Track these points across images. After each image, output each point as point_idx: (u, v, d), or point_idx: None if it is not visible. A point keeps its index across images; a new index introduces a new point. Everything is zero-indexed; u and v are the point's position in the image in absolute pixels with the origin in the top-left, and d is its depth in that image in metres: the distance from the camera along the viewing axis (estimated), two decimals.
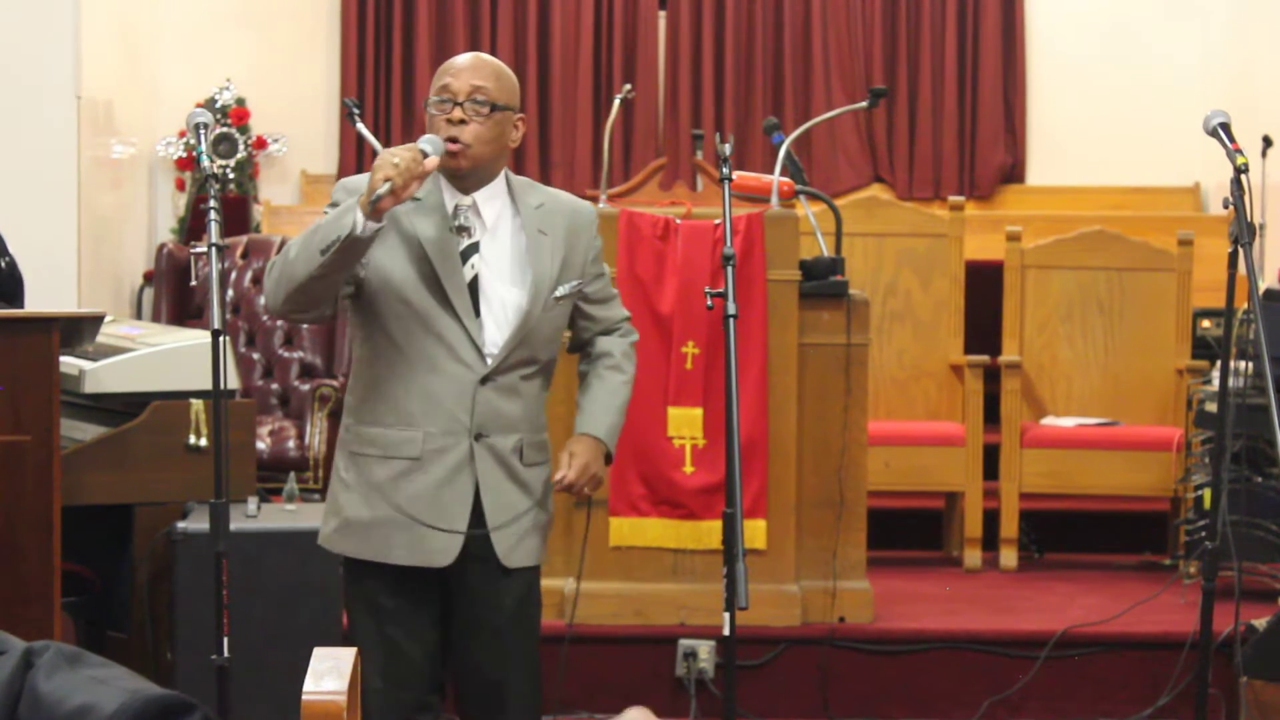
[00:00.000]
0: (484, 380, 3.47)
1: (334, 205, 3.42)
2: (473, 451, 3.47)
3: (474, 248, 3.49)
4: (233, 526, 3.87)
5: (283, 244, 7.04)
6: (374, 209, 3.25)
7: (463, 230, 3.49)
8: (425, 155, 3.33)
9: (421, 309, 3.44)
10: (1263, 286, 5.99)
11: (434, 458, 3.47)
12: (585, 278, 3.60)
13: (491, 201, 3.52)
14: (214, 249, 3.67)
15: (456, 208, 3.50)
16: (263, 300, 3.51)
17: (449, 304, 3.44)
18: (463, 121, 3.45)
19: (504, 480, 3.51)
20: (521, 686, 3.60)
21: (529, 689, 3.62)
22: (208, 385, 3.68)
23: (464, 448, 3.47)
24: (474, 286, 3.47)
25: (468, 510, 3.49)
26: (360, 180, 3.44)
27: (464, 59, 3.53)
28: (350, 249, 3.28)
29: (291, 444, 6.53)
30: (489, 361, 3.47)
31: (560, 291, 3.53)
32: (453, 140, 3.44)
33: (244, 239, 7.29)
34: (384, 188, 3.23)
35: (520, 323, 3.48)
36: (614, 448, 3.65)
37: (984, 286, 6.74)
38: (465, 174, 3.48)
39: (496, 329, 3.48)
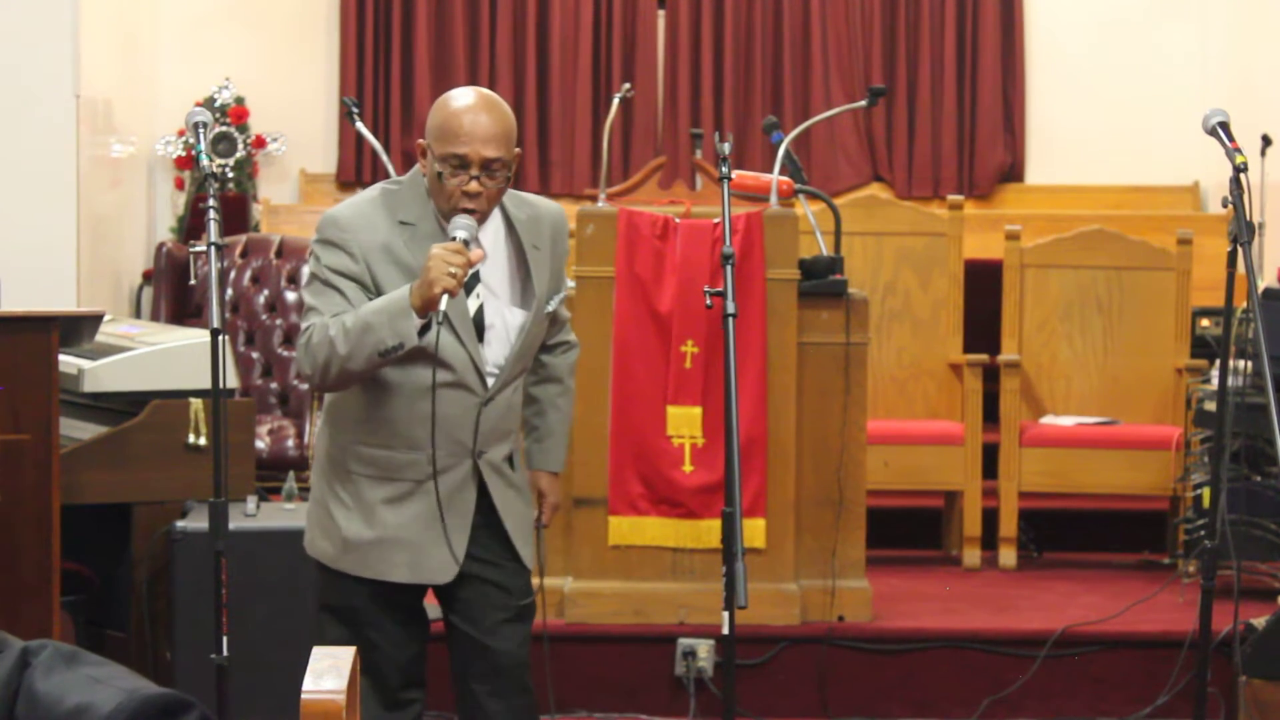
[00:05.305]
0: (486, 402, 3.53)
1: (329, 244, 3.42)
2: (475, 468, 3.54)
3: (476, 277, 3.50)
4: (232, 525, 3.87)
5: (282, 243, 7.09)
6: (428, 308, 3.31)
7: None
8: (467, 244, 3.35)
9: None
10: (1262, 285, 5.98)
11: (439, 479, 3.50)
12: (563, 288, 3.67)
13: (488, 224, 3.52)
14: (213, 248, 3.67)
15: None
16: (299, 369, 3.54)
17: (454, 333, 3.46)
18: (479, 191, 3.42)
19: (505, 487, 3.60)
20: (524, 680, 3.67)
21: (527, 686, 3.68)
22: (207, 384, 3.68)
23: (467, 466, 3.54)
24: (479, 315, 3.51)
25: (468, 527, 3.54)
26: (350, 217, 3.46)
27: (471, 121, 3.39)
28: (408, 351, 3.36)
29: (290, 443, 6.52)
30: (490, 384, 3.52)
31: (551, 306, 3.62)
32: (469, 211, 3.42)
33: (243, 238, 7.28)
34: (445, 302, 3.30)
35: (520, 341, 3.55)
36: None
37: (983, 285, 6.73)
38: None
39: (498, 350, 3.54)
